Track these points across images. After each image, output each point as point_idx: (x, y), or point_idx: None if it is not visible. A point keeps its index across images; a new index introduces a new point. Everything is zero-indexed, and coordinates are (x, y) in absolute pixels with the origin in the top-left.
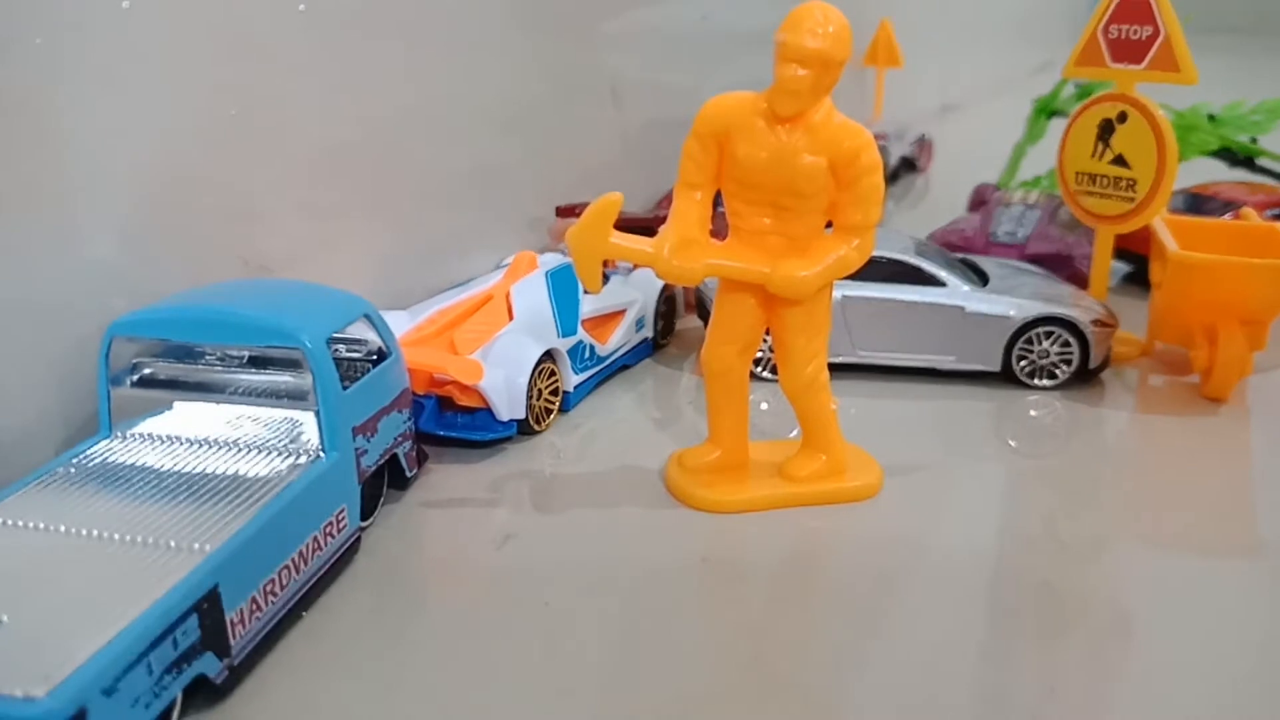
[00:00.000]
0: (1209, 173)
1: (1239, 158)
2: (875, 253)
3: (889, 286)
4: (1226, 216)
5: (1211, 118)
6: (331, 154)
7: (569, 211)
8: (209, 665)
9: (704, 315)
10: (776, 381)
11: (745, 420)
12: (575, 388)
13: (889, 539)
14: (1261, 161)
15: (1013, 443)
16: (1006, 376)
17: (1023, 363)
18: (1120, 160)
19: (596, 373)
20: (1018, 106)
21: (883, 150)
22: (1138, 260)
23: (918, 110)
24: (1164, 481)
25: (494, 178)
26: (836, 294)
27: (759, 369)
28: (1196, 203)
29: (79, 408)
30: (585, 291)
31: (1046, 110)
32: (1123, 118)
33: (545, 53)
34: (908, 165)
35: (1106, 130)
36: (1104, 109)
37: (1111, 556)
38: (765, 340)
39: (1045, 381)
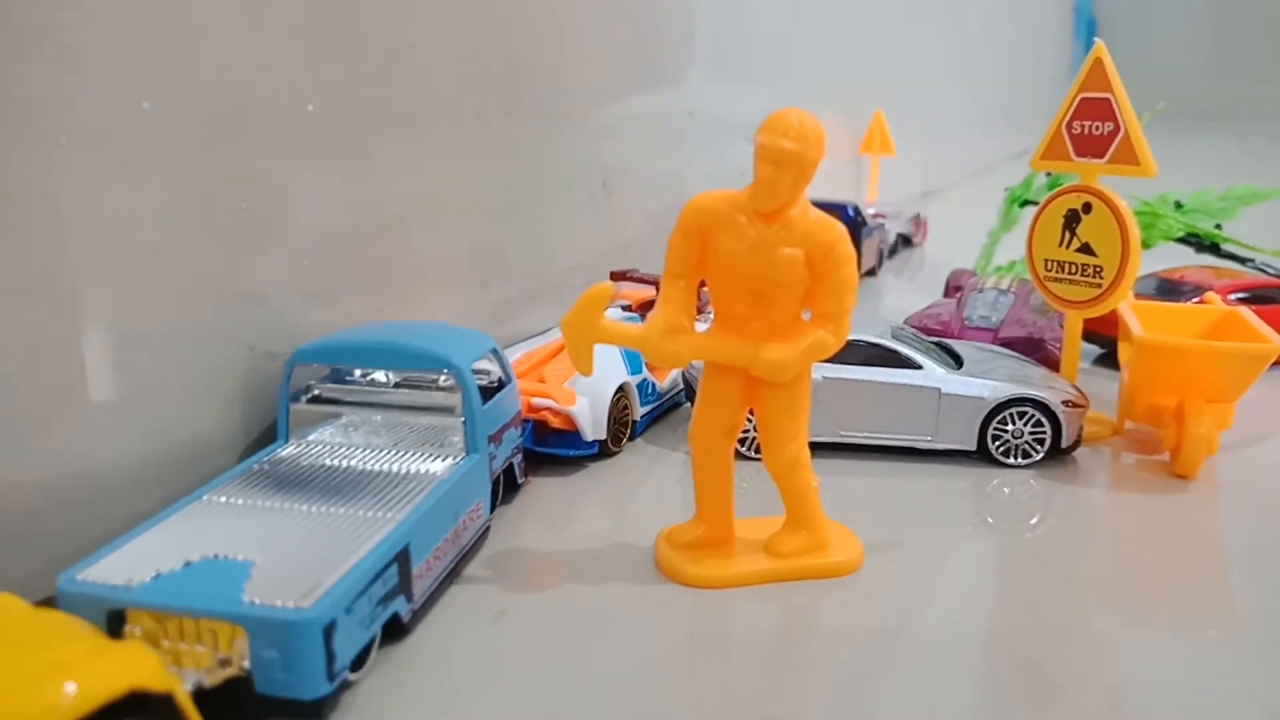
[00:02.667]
0: (1178, 258)
1: (1205, 244)
2: (854, 337)
3: (868, 369)
4: (1193, 301)
5: (1179, 205)
6: (333, 241)
7: (622, 276)
8: (402, 606)
9: (692, 397)
10: (760, 460)
11: (730, 497)
12: (642, 417)
13: (873, 615)
14: (1226, 247)
15: (990, 520)
16: (982, 455)
17: (997, 442)
18: (1086, 248)
19: (657, 406)
20: (997, 191)
21: (881, 228)
22: (1108, 343)
23: (907, 194)
24: (1139, 556)
25: (492, 260)
26: (817, 375)
27: (743, 448)
28: (1165, 287)
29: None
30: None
31: (1019, 200)
32: (1087, 208)
33: (541, 142)
34: (905, 241)
35: (1073, 220)
36: (1069, 200)
37: (1093, 631)
38: (750, 420)
39: (1020, 460)
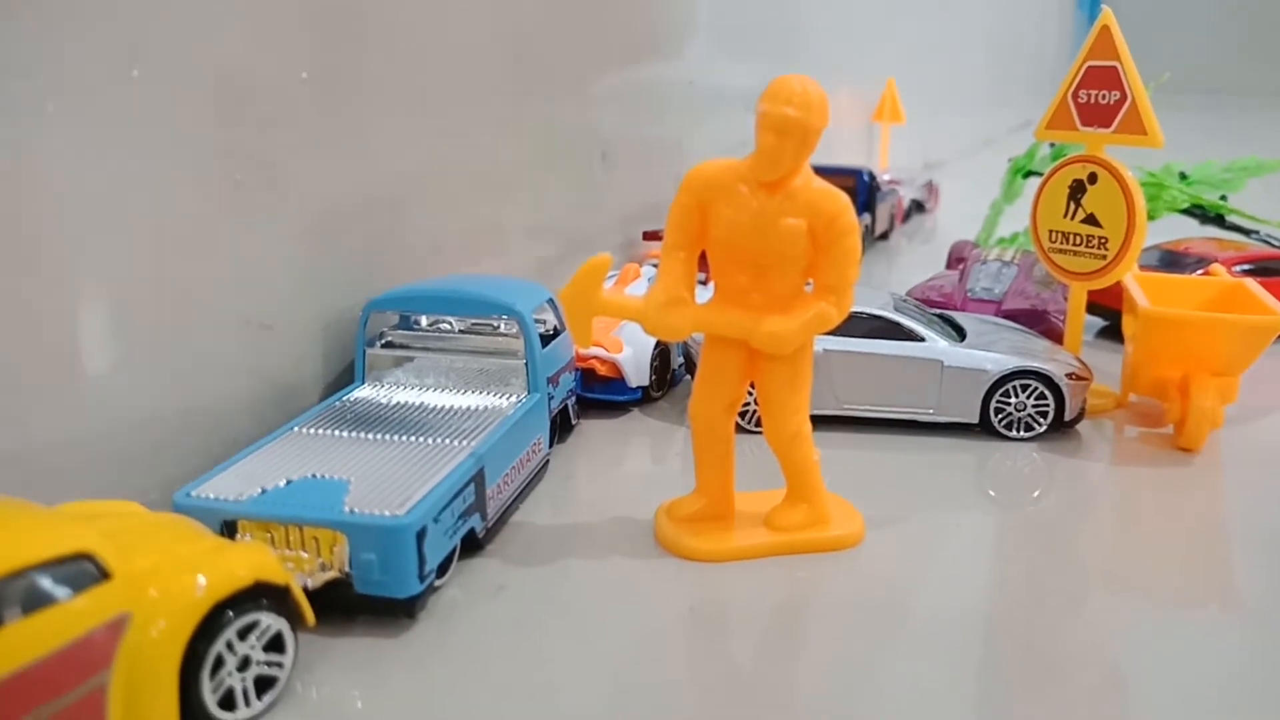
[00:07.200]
0: (1182, 230)
1: (1209, 215)
2: (856, 309)
3: (870, 341)
4: (1198, 272)
5: (1183, 176)
6: (330, 215)
7: (654, 235)
8: (477, 522)
9: (692, 370)
10: (761, 433)
11: (731, 471)
12: (679, 366)
13: (873, 589)
14: (1231, 219)
15: (992, 493)
16: (985, 429)
17: (1000, 415)
18: (1091, 219)
19: None
20: (1000, 162)
21: (895, 193)
22: (1112, 315)
23: (915, 161)
24: (1141, 531)
25: (490, 233)
26: (819, 348)
27: (744, 421)
28: (1170, 258)
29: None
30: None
31: (1022, 170)
32: (1093, 179)
33: (539, 113)
34: (918, 207)
35: (1078, 191)
36: (1075, 170)
37: (1092, 606)
38: (751, 393)
39: (1022, 433)
